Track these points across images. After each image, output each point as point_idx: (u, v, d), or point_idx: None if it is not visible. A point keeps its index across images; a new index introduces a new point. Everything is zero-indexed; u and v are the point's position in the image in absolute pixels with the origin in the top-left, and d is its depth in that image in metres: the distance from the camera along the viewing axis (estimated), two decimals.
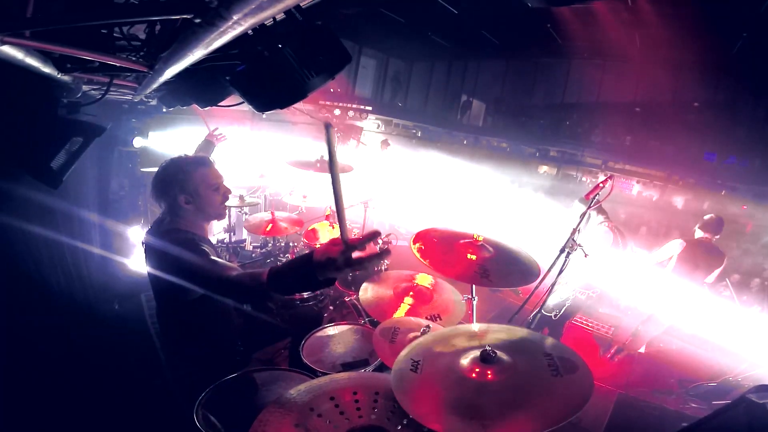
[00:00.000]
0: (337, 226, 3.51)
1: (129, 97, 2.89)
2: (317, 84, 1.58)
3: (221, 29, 0.95)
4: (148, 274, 1.71)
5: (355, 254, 1.04)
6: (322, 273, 1.08)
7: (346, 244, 1.05)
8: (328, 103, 5.97)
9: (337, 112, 5.84)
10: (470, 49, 8.63)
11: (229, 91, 2.03)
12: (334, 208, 1.11)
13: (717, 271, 3.78)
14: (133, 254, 4.06)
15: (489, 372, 1.17)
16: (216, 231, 4.17)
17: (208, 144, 2.94)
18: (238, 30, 1.00)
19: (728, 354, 3.98)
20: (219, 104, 2.09)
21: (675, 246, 3.82)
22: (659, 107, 6.98)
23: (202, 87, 2.11)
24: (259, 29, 1.50)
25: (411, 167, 8.37)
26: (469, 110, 10.90)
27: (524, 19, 6.44)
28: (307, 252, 1.15)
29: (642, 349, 4.20)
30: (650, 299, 3.98)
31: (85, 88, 2.05)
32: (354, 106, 6.54)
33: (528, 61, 8.71)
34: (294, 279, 1.18)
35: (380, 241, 3.33)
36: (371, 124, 9.01)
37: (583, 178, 7.94)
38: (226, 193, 1.89)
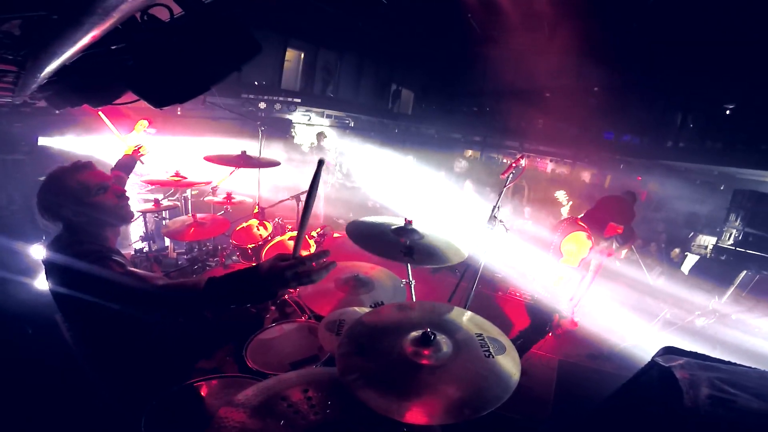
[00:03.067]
0: (269, 224, 3.44)
1: (8, 100, 2.54)
2: (220, 76, 1.53)
3: (85, 24, 0.88)
4: (53, 294, 1.55)
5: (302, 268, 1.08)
6: (266, 286, 1.10)
7: (297, 259, 1.09)
8: (251, 96, 5.72)
9: (262, 105, 5.62)
10: (398, 39, 8.76)
11: (123, 88, 1.89)
12: (298, 224, 1.16)
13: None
14: (40, 273, 3.63)
15: (428, 352, 1.19)
16: (133, 240, 3.85)
17: (129, 161, 2.57)
18: (108, 23, 0.94)
19: (645, 313, 4.50)
20: (114, 103, 1.93)
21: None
22: (565, 92, 7.68)
23: (93, 85, 1.94)
24: (149, 21, 1.42)
25: (345, 157, 8.38)
26: (399, 99, 11.12)
27: (448, 9, 6.70)
28: (249, 266, 1.16)
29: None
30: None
31: None
32: (281, 98, 6.33)
33: (452, 51, 9.06)
34: (234, 290, 1.15)
35: (315, 234, 3.32)
36: (301, 116, 8.81)
37: (504, 160, 8.57)
38: (120, 192, 1.68)
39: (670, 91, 7.44)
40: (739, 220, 5.53)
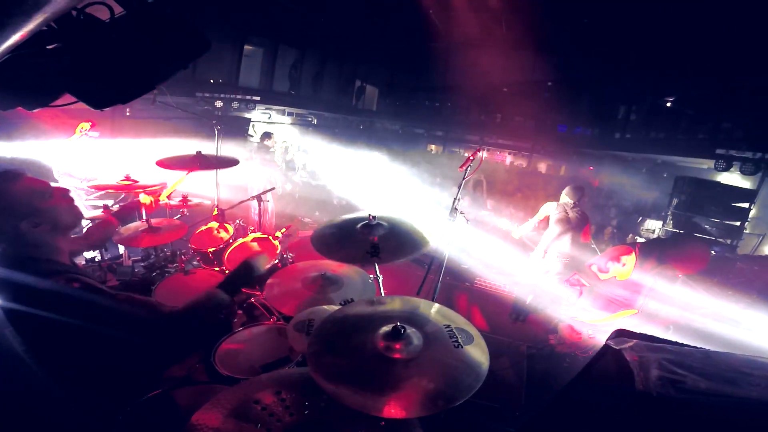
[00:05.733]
0: (230, 227, 3.34)
1: None
2: (164, 75, 1.47)
3: (9, 23, 0.83)
4: (4, 311, 1.42)
5: None
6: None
7: None
8: (207, 94, 5.50)
9: (218, 103, 5.42)
10: (362, 35, 8.71)
11: (61, 89, 1.78)
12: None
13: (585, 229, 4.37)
14: None
15: (399, 346, 1.20)
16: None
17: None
18: (36, 21, 0.89)
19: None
20: (51, 105, 1.80)
21: (551, 208, 4.33)
22: (521, 87, 7.98)
23: (27, 85, 1.81)
24: (87, 19, 1.34)
25: (311, 155, 8.25)
26: (364, 95, 11.09)
27: (410, 4, 6.73)
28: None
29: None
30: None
31: None
32: (239, 96, 6.13)
33: (414, 46, 9.14)
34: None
35: (279, 234, 3.27)
36: (261, 115, 8.56)
37: (465, 154, 8.82)
38: (65, 191, 1.58)
39: (617, 84, 7.89)
40: (681, 205, 6.00)
